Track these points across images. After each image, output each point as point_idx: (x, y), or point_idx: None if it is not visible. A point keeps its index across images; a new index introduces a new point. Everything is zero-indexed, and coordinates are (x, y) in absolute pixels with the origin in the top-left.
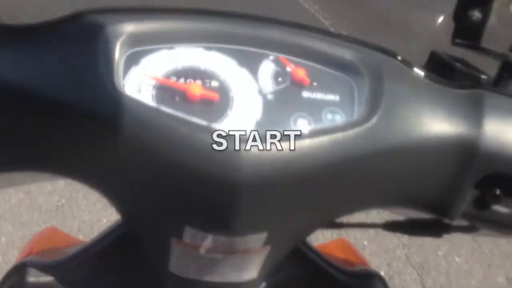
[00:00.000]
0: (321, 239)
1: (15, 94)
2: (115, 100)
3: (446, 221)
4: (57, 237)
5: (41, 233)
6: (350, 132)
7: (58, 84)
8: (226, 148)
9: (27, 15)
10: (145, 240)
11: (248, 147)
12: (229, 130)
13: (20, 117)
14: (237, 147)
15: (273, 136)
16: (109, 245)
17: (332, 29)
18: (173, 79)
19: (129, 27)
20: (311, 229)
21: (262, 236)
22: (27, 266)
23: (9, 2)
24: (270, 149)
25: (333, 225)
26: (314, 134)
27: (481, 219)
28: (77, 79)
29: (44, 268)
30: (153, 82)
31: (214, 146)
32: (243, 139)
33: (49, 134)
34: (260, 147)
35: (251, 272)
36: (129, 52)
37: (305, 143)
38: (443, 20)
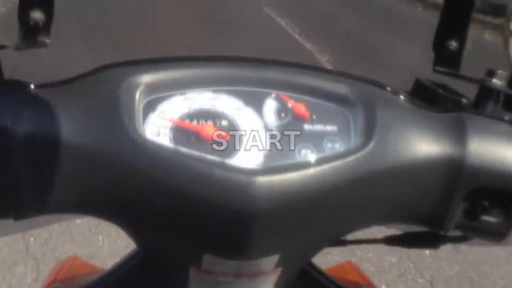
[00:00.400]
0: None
1: (50, 147)
2: (138, 145)
3: (441, 233)
4: (79, 265)
5: (64, 261)
6: (350, 159)
7: (87, 134)
8: (239, 181)
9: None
10: (163, 268)
11: (259, 179)
12: (241, 165)
13: (56, 167)
14: (248, 180)
15: (281, 167)
16: (127, 273)
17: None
18: (187, 121)
19: (145, 78)
20: (318, 248)
21: (274, 259)
22: None
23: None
24: (279, 179)
25: (338, 243)
26: (318, 163)
27: (472, 229)
28: (103, 128)
29: None
30: (170, 126)
31: (228, 179)
32: (254, 172)
33: (74, 178)
34: (270, 178)
35: None
36: (146, 100)
37: (311, 171)
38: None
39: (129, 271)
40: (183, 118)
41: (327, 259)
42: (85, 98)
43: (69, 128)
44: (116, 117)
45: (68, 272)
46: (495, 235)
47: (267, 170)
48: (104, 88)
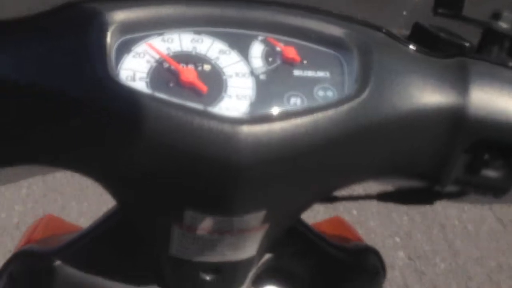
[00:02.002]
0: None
1: (7, 87)
2: (109, 89)
3: (438, 188)
4: (55, 225)
5: (39, 221)
6: (342, 108)
7: (51, 76)
8: (222, 131)
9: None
10: (144, 225)
11: (244, 129)
12: (224, 113)
13: (12, 109)
14: (233, 129)
15: (267, 116)
16: (107, 231)
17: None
18: (166, 65)
19: (119, 15)
20: (308, 204)
21: (261, 215)
22: (27, 254)
23: None
24: (266, 129)
25: (328, 199)
26: (307, 111)
27: (471, 184)
28: (70, 70)
29: (44, 255)
30: (146, 69)
31: (211, 129)
32: (239, 121)
33: (43, 125)
34: (256, 128)
35: (250, 250)
36: (120, 40)
37: (299, 121)
38: None
39: (109, 229)
40: (161, 61)
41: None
42: (49, 38)
43: (33, 71)
44: (86, 60)
45: (44, 232)
46: (495, 191)
47: (253, 119)
48: (71, 27)
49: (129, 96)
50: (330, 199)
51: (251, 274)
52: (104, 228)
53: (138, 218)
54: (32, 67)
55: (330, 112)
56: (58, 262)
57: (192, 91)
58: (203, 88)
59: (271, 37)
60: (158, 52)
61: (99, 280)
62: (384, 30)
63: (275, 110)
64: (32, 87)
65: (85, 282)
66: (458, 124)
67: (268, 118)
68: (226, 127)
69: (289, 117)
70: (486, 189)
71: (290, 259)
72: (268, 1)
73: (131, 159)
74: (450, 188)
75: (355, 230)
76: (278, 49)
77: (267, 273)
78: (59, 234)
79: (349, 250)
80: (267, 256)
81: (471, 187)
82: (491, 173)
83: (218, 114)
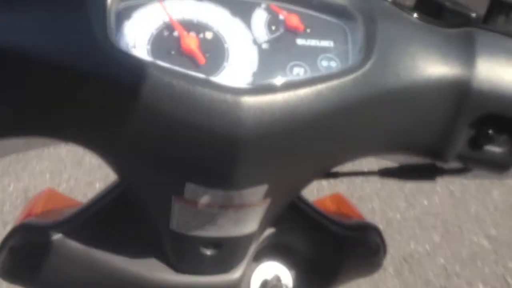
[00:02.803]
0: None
1: (5, 56)
2: (110, 57)
3: (439, 164)
4: (56, 199)
5: (40, 194)
6: (346, 79)
7: (49, 44)
8: (224, 101)
9: None
10: (145, 199)
11: (246, 99)
12: (226, 83)
13: (13, 79)
14: (235, 100)
15: (270, 87)
16: (108, 205)
17: None
18: (167, 32)
19: None
20: (309, 179)
21: (262, 189)
22: (27, 227)
23: None
24: (268, 100)
25: (329, 175)
26: (310, 82)
27: (474, 160)
28: (69, 36)
29: (44, 229)
30: (147, 36)
31: (213, 99)
32: (241, 91)
33: (43, 95)
34: (258, 99)
35: (251, 225)
36: (120, 6)
37: (302, 92)
38: None
39: (110, 203)
40: (162, 28)
41: None
42: (47, 3)
43: (30, 38)
44: (85, 26)
45: (45, 206)
46: (498, 167)
47: (255, 89)
48: None
49: (130, 63)
50: (332, 174)
51: (251, 250)
52: (105, 202)
53: (139, 192)
54: (29, 34)
55: (334, 83)
56: (58, 235)
57: (194, 59)
58: (202, 60)
59: (274, 4)
60: (158, 19)
61: (99, 253)
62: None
63: (278, 81)
64: (29, 55)
65: (86, 255)
66: (462, 97)
67: (270, 89)
68: (228, 97)
69: (292, 88)
70: (489, 165)
71: (291, 235)
72: None
73: (131, 128)
74: (453, 164)
75: (356, 207)
76: (281, 17)
77: (267, 249)
78: (60, 208)
79: (349, 227)
80: (268, 231)
81: (474, 163)
82: (494, 148)
83: (220, 84)
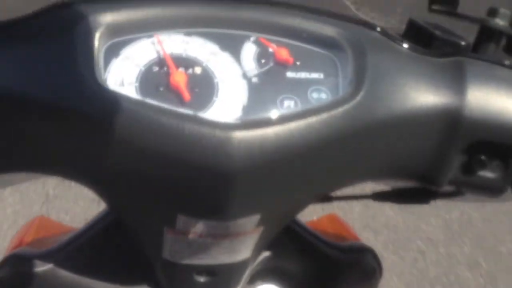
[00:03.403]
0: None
1: None
2: (98, 96)
3: (434, 188)
4: (47, 226)
5: (31, 222)
6: (337, 111)
7: (36, 82)
8: (214, 137)
9: None
10: (135, 229)
11: (236, 134)
12: (216, 118)
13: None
14: (225, 135)
15: (260, 121)
16: (99, 233)
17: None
18: (155, 68)
19: (106, 18)
20: (302, 206)
21: (255, 219)
22: (18, 257)
23: None
24: (259, 134)
25: (323, 199)
26: (301, 115)
27: (468, 185)
28: (56, 76)
29: (36, 258)
30: (136, 74)
31: (203, 135)
32: (231, 126)
33: (31, 133)
34: (249, 133)
35: (244, 253)
36: (108, 43)
37: (293, 125)
38: None
39: (101, 231)
40: (150, 64)
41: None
42: (34, 42)
43: (17, 77)
44: (73, 65)
45: (36, 234)
46: (491, 191)
47: (245, 124)
48: (57, 30)
49: (118, 102)
50: (325, 199)
51: (246, 275)
52: (96, 230)
53: (129, 223)
54: (16, 73)
55: (325, 115)
56: (49, 266)
57: (183, 96)
58: (187, 97)
59: (263, 37)
60: (147, 55)
61: (91, 282)
62: (378, 29)
63: (268, 114)
64: (16, 94)
65: (78, 285)
66: (454, 125)
67: (261, 123)
68: (218, 133)
69: (283, 122)
70: (483, 190)
71: (286, 258)
72: (259, 0)
73: (121, 166)
74: (446, 188)
75: (351, 228)
76: (270, 50)
77: (263, 272)
78: (51, 236)
79: (344, 249)
80: (263, 255)
81: (467, 187)
82: (487, 173)
83: (210, 120)
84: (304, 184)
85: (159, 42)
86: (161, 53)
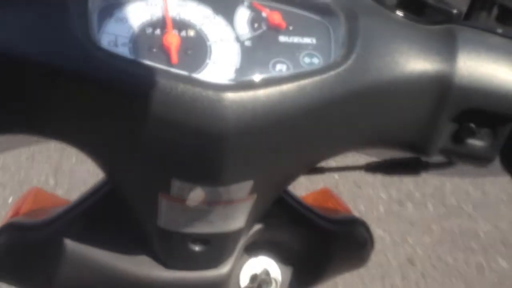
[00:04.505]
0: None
1: None
2: (92, 56)
3: (424, 159)
4: (43, 197)
5: (27, 193)
6: (328, 75)
7: (30, 42)
8: (207, 98)
9: None
10: (132, 197)
11: (228, 95)
12: (209, 79)
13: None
14: (217, 96)
15: (252, 83)
16: (95, 203)
17: None
18: (149, 30)
19: None
20: (295, 174)
21: (248, 185)
22: (14, 226)
23: None
24: (250, 96)
25: (315, 170)
26: (292, 78)
27: (457, 154)
28: (50, 35)
29: (32, 227)
30: (129, 34)
31: (195, 96)
32: (223, 87)
33: (26, 93)
34: (241, 95)
35: (238, 221)
36: (102, 4)
37: (284, 87)
38: None
39: (98, 201)
40: (144, 26)
41: None
42: (28, 2)
43: (10, 38)
44: (66, 24)
45: (32, 205)
46: (481, 160)
47: (237, 85)
48: None
49: (111, 61)
50: (317, 170)
51: (240, 245)
52: (93, 200)
53: (125, 190)
54: (9, 32)
55: (316, 79)
56: (46, 234)
57: (176, 56)
58: (174, 59)
59: (257, 2)
60: (141, 17)
61: (88, 251)
62: None
63: (260, 77)
64: (9, 53)
65: (74, 254)
66: (444, 92)
67: (253, 85)
68: (211, 94)
69: (275, 84)
70: (472, 159)
71: (279, 231)
72: None
73: (113, 125)
74: (437, 158)
75: (344, 202)
76: (263, 14)
77: (256, 243)
78: (47, 207)
79: (337, 221)
80: (257, 227)
81: (457, 156)
82: (477, 142)
83: (202, 80)
84: (296, 149)
85: (153, 4)
86: (155, 14)
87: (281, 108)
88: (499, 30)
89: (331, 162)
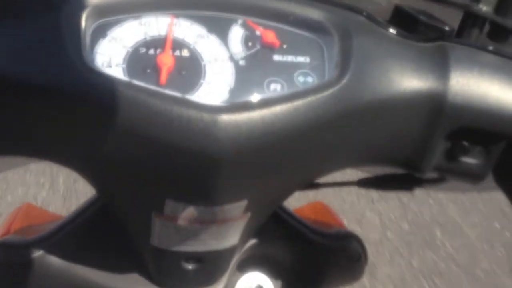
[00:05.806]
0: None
1: None
2: (85, 76)
3: (418, 175)
4: (35, 213)
5: (18, 210)
6: (322, 94)
7: (23, 63)
8: (201, 120)
9: None
10: (124, 215)
11: (223, 117)
12: (203, 101)
13: None
14: (212, 118)
15: (247, 104)
16: (88, 219)
17: None
18: (143, 50)
19: None
20: (289, 192)
21: (242, 204)
22: (6, 245)
23: None
24: (245, 117)
25: (309, 186)
26: (287, 99)
27: (450, 171)
28: (43, 56)
29: (23, 246)
30: (123, 55)
31: (190, 118)
32: (218, 109)
33: (19, 115)
34: (236, 116)
35: (232, 239)
36: (95, 24)
37: (278, 108)
38: None
39: (89, 217)
40: (138, 46)
41: None
42: (20, 21)
43: (4, 58)
44: (60, 45)
45: (23, 221)
46: (473, 177)
47: (232, 107)
48: (44, 10)
49: (105, 83)
50: (311, 186)
51: (233, 261)
52: (85, 216)
53: (118, 208)
54: (3, 54)
55: (310, 99)
56: (38, 252)
57: (170, 77)
58: (163, 80)
59: (251, 20)
60: (134, 37)
61: (80, 269)
62: (364, 13)
63: (255, 97)
64: (3, 75)
65: (67, 272)
66: (437, 110)
67: (248, 106)
68: (205, 116)
69: (269, 105)
70: (465, 176)
71: (272, 246)
72: None
73: (108, 148)
74: (430, 174)
75: (337, 215)
76: (257, 33)
77: (250, 259)
78: (39, 223)
79: (330, 236)
80: (250, 243)
81: (450, 173)
82: (470, 160)
83: (196, 102)
84: (290, 168)
85: (147, 24)
86: (148, 34)
87: (276, 129)
88: (491, 48)
89: (324, 177)
